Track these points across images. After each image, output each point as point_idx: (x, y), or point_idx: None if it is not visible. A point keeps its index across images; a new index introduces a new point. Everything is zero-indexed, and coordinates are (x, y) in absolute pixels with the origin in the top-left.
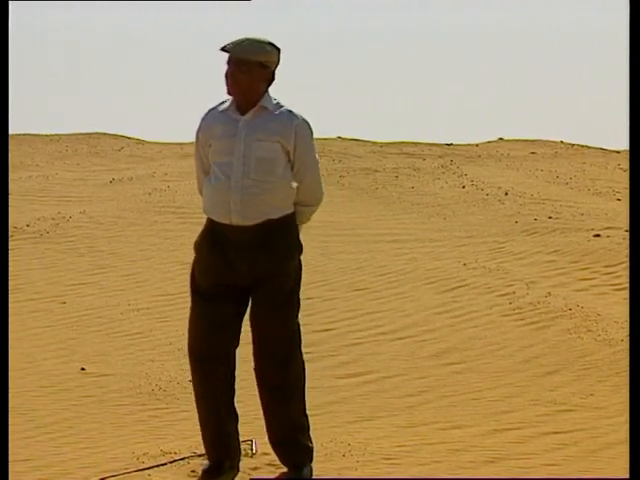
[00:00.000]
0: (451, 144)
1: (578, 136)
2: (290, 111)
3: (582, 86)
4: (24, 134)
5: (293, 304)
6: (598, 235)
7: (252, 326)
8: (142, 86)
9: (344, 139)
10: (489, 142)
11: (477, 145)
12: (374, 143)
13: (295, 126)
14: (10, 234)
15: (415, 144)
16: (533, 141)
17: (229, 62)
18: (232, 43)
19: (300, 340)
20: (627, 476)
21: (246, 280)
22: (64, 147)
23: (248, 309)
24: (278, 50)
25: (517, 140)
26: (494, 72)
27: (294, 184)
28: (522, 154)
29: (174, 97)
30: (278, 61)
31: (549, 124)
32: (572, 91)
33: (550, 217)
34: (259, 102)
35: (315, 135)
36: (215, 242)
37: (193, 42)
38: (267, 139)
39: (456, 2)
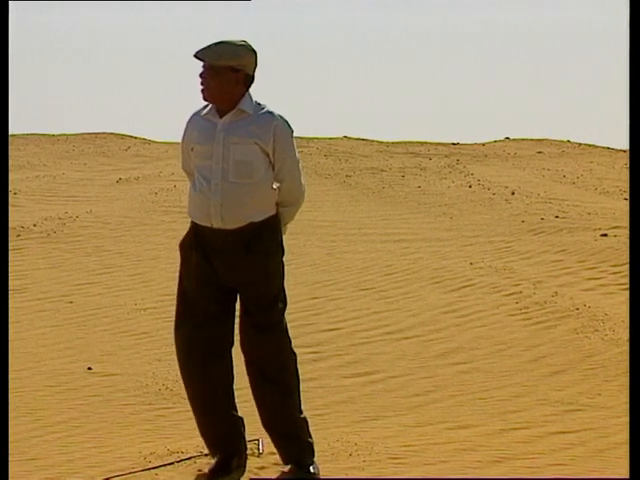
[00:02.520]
0: (457, 143)
1: (585, 135)
2: (270, 112)
3: (589, 85)
4: (31, 134)
5: (279, 304)
6: (605, 234)
7: (240, 326)
8: (149, 86)
9: (350, 139)
10: (496, 141)
11: (484, 144)
12: (380, 143)
13: (274, 127)
14: (17, 234)
15: (421, 144)
16: (540, 140)
17: (202, 67)
18: (203, 48)
19: (289, 337)
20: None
21: (230, 282)
22: (71, 147)
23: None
24: (253, 52)
25: (524, 139)
26: (500, 71)
27: (275, 185)
28: (529, 153)
29: (181, 97)
30: (255, 63)
31: (556, 123)
32: (579, 90)
33: (557, 216)
34: (237, 105)
35: (321, 135)
36: (198, 245)
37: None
38: (244, 142)
39: (462, 1)
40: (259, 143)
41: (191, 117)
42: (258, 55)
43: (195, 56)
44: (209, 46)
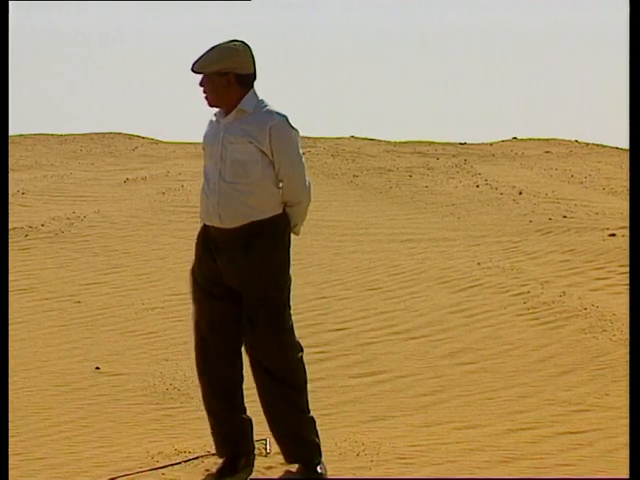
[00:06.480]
0: (465, 143)
1: (593, 135)
2: (269, 111)
3: (597, 85)
4: (39, 134)
5: (281, 305)
6: (613, 234)
7: (244, 326)
8: (156, 86)
9: (357, 138)
10: (503, 141)
11: (491, 144)
12: (388, 142)
13: (270, 127)
14: (25, 233)
15: (429, 143)
16: (547, 140)
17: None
18: (197, 59)
19: (294, 337)
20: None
21: (231, 281)
22: (79, 147)
23: None
24: (241, 50)
25: (531, 139)
26: (508, 71)
27: (280, 184)
28: (536, 153)
29: (188, 97)
30: (246, 60)
31: (563, 123)
32: (587, 90)
33: (565, 216)
34: (238, 105)
35: (328, 134)
36: (206, 243)
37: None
38: (239, 141)
39: (470, 1)
40: (254, 142)
41: (210, 119)
42: (263, 54)
43: (191, 69)
44: (201, 55)
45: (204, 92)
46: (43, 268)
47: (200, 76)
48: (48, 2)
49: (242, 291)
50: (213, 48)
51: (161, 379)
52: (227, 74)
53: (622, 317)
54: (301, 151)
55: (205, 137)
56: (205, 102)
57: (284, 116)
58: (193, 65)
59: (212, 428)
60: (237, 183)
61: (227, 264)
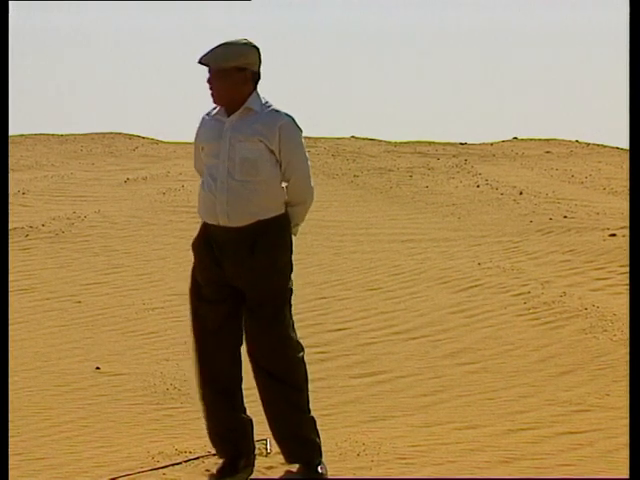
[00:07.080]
0: (465, 143)
1: (593, 135)
2: (276, 111)
3: (597, 85)
4: (39, 134)
5: (283, 304)
6: (614, 234)
7: (245, 326)
8: (156, 86)
9: (358, 138)
10: (503, 141)
11: (491, 144)
12: (388, 142)
13: (279, 127)
14: (26, 234)
15: (429, 143)
16: (548, 140)
17: (209, 72)
18: (207, 53)
19: (295, 337)
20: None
21: (236, 281)
22: (79, 147)
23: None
24: (255, 48)
25: (532, 139)
26: (508, 71)
27: (284, 184)
28: (537, 153)
29: (188, 97)
30: (259, 59)
31: (564, 123)
32: (587, 90)
33: (565, 216)
34: (245, 104)
35: (329, 134)
36: (207, 243)
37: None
38: (249, 139)
39: (471, 1)
40: (264, 141)
41: (202, 118)
42: (263, 54)
43: (200, 62)
44: (212, 50)
45: (212, 88)
46: (43, 268)
47: (206, 73)
48: (48, 2)
49: (246, 291)
50: (226, 44)
51: (161, 379)
52: (245, 70)
53: (622, 317)
54: (306, 152)
55: (203, 135)
56: (210, 98)
57: (291, 116)
58: (205, 59)
59: (210, 428)
60: (247, 181)
61: (233, 265)
